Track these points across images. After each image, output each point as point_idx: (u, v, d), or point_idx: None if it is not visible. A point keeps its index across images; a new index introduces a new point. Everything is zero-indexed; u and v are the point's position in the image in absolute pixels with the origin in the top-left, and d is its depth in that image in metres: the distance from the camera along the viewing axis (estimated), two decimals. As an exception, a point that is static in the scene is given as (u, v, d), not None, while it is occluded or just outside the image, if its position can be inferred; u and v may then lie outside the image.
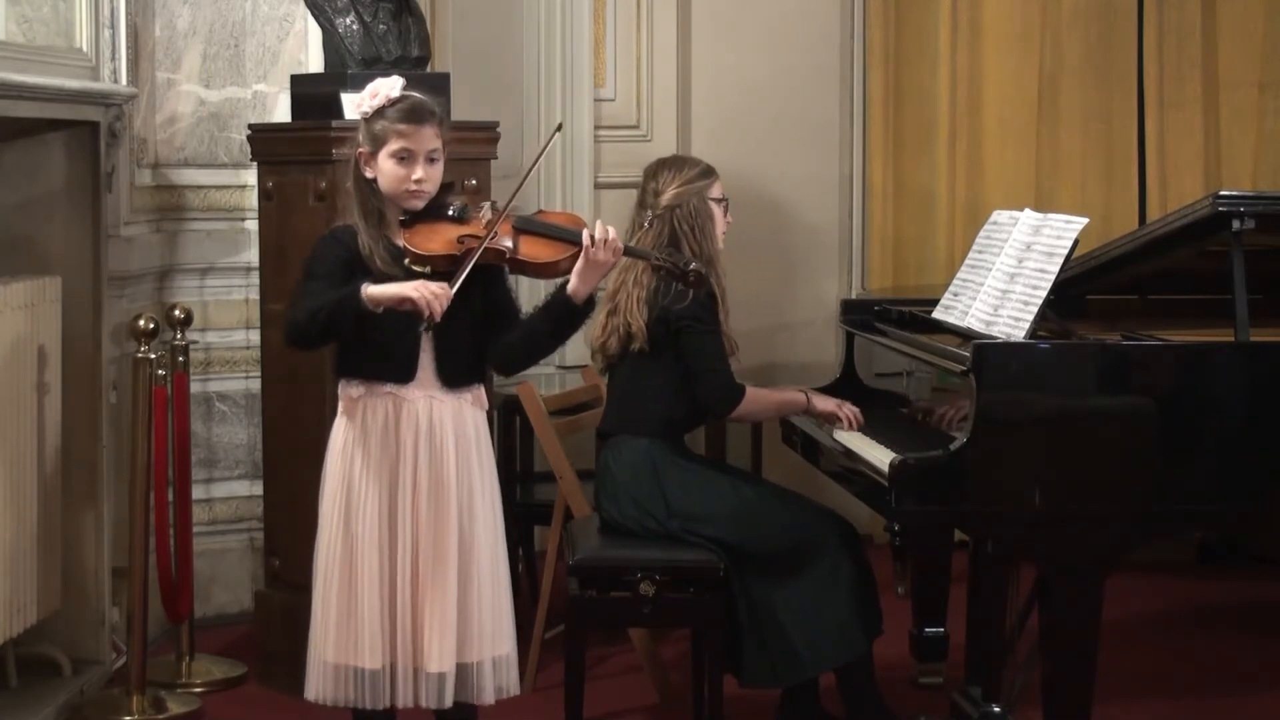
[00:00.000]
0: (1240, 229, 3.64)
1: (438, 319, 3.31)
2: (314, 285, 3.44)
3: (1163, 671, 4.84)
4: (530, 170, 3.65)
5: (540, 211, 3.64)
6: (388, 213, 3.48)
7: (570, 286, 3.44)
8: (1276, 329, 3.84)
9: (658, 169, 4.31)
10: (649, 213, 4.24)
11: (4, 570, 4.07)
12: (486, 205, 3.53)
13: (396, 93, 3.46)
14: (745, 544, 4.04)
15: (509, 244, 3.44)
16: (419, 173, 3.44)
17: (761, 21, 6.14)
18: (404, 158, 3.43)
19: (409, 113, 3.44)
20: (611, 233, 3.45)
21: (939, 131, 6.10)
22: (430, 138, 3.45)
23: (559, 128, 3.78)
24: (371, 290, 3.32)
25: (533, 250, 3.46)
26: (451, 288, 3.33)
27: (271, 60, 5.23)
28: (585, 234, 3.44)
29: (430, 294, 3.29)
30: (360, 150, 3.48)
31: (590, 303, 3.49)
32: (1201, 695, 4.66)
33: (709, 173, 4.30)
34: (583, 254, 3.43)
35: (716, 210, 4.27)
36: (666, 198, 4.21)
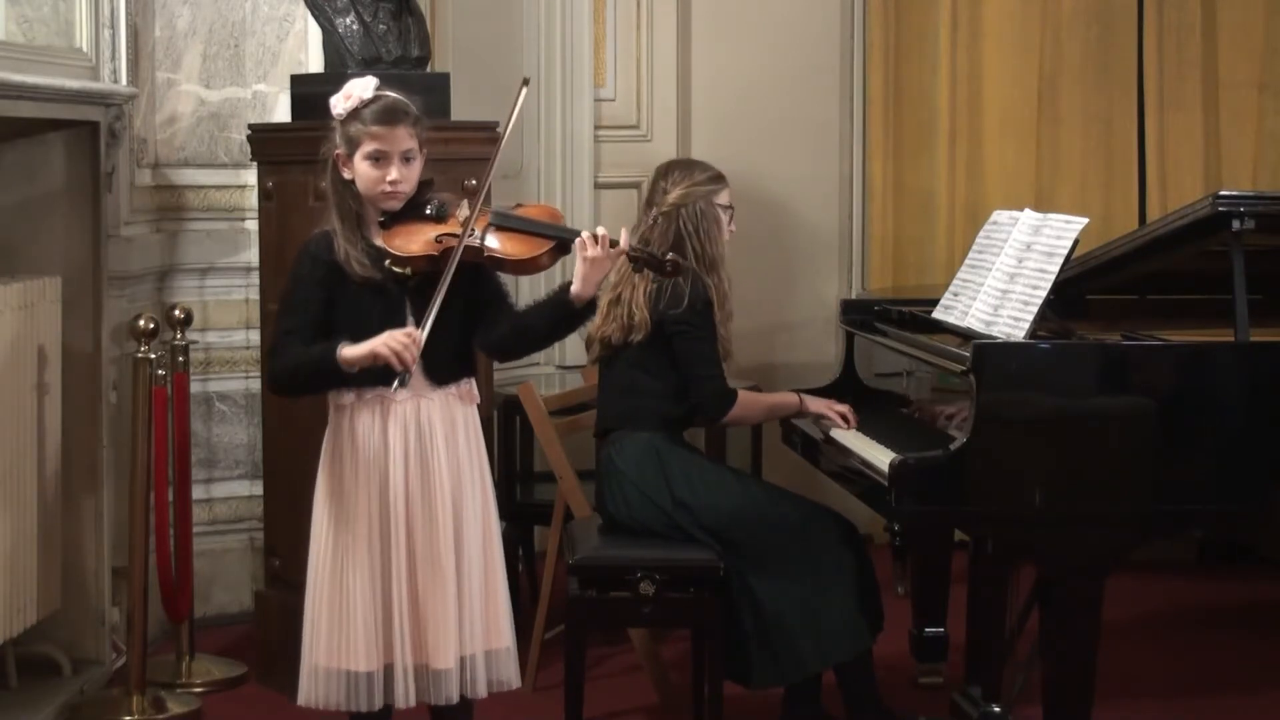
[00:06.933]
0: (1240, 229, 3.64)
1: (411, 369, 3.32)
2: (293, 322, 3.43)
3: (1163, 671, 4.84)
4: (504, 137, 3.56)
5: (519, 205, 3.61)
6: (366, 214, 3.46)
7: (574, 289, 3.42)
8: (1276, 329, 3.84)
9: (668, 169, 4.35)
10: (655, 210, 4.26)
11: (4, 570, 4.07)
12: (464, 202, 3.51)
13: (370, 93, 3.42)
14: (749, 538, 4.04)
15: (486, 241, 3.42)
16: (394, 173, 3.41)
17: (761, 21, 6.14)
18: (378, 159, 3.40)
19: (382, 114, 3.40)
20: (603, 232, 3.44)
21: (939, 131, 6.10)
22: (404, 138, 3.42)
23: (526, 81, 3.63)
24: (344, 354, 3.33)
25: (510, 247, 3.44)
26: (426, 321, 3.32)
27: (271, 60, 5.23)
28: (585, 235, 3.42)
29: (399, 345, 3.29)
30: (337, 152, 3.45)
31: (591, 306, 3.47)
32: (1201, 695, 4.65)
33: (718, 179, 4.32)
34: (579, 258, 3.41)
35: (722, 216, 4.29)
36: (673, 196, 4.24)
